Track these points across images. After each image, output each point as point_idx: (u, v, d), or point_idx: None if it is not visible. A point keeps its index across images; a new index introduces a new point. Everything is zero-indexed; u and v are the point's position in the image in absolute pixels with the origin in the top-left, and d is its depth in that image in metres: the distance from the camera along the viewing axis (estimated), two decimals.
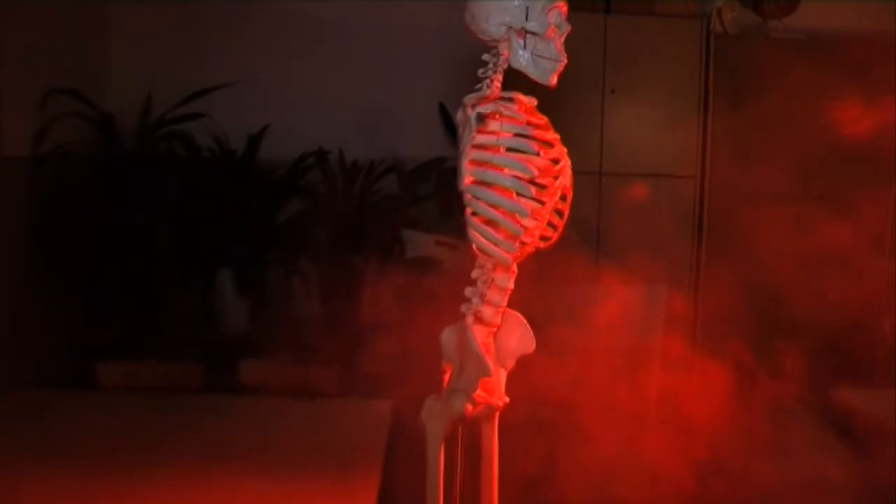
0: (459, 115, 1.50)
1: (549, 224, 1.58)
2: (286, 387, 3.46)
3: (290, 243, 4.20)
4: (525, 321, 1.69)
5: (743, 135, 4.22)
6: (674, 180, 4.24)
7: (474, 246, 1.54)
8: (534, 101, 1.53)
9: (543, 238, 1.58)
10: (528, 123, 1.50)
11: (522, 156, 1.50)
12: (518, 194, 1.48)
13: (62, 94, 4.04)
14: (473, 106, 1.47)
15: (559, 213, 1.58)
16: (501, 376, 1.72)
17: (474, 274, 1.62)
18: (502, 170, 1.48)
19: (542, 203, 1.51)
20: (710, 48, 4.24)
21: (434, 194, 4.23)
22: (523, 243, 1.53)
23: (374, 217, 4.25)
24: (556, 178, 1.53)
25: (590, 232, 4.01)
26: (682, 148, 4.23)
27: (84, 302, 3.97)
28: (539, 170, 1.49)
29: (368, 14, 4.52)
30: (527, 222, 1.49)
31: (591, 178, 4.13)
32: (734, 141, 4.22)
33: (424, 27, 4.32)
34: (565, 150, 1.56)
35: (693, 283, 4.24)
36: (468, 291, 1.63)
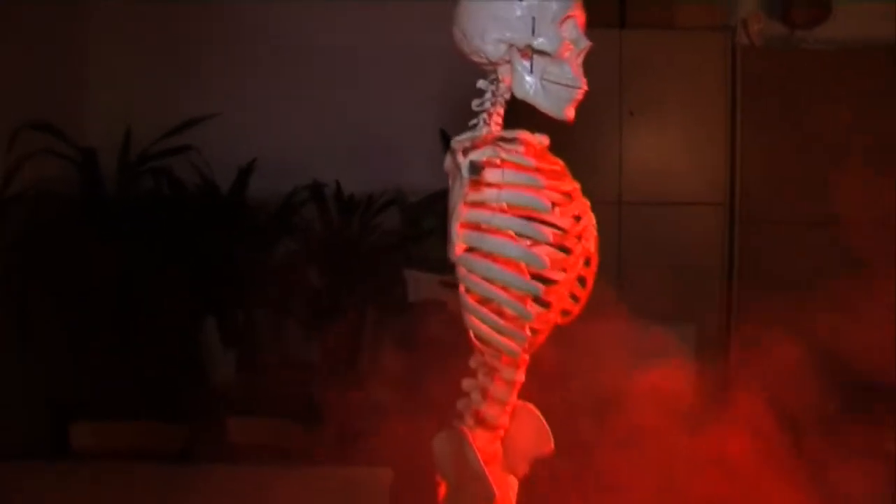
0: (448, 163, 1.14)
1: (571, 295, 1.22)
2: (278, 446, 3.21)
3: (281, 286, 3.87)
4: (539, 415, 1.33)
5: (775, 156, 3.88)
6: (701, 208, 3.88)
7: (471, 333, 1.17)
8: (545, 141, 1.18)
9: (563, 313, 1.23)
10: (539, 171, 1.14)
11: (533, 214, 1.14)
12: (528, 266, 1.12)
13: (34, 130, 3.73)
14: (465, 151, 1.11)
15: (582, 281, 1.23)
16: (511, 486, 1.36)
17: (473, 363, 1.26)
18: (506, 234, 1.12)
19: (562, 273, 1.15)
20: (735, 62, 3.89)
21: (438, 229, 3.87)
22: (536, 330, 1.17)
23: (373, 256, 3.91)
24: (577, 238, 1.18)
25: (609, 267, 3.64)
26: (709, 173, 3.87)
27: (58, 355, 3.64)
28: (555, 233, 1.13)
29: (363, 36, 4.22)
30: (540, 304, 1.13)
31: (610, 209, 3.78)
32: (766, 163, 3.87)
33: (423, 48, 3.97)
34: (587, 202, 1.20)
35: (724, 323, 3.89)
36: (466, 385, 1.27)
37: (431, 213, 3.95)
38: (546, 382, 1.42)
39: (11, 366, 3.56)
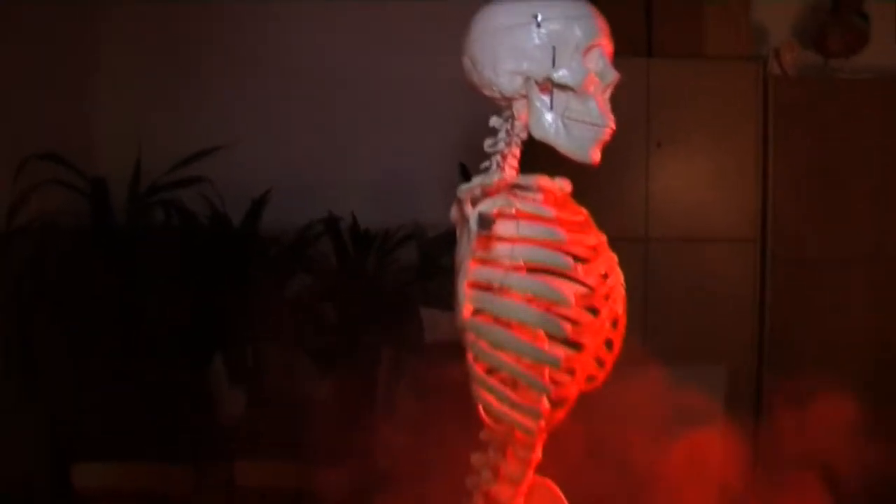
0: (454, 213, 0.99)
1: (596, 359, 1.06)
2: (287, 490, 3.07)
3: (293, 323, 3.73)
4: (558, 492, 1.17)
5: (809, 190, 3.71)
6: (731, 245, 3.71)
7: (480, 407, 1.02)
8: (567, 187, 1.02)
9: (588, 378, 1.07)
10: (559, 223, 0.99)
11: (551, 271, 0.98)
12: (548, 334, 0.96)
13: (42, 160, 3.63)
14: (474, 201, 0.95)
15: (609, 343, 1.07)
16: None
17: (483, 436, 1.10)
18: (522, 297, 0.96)
19: (586, 340, 0.99)
20: (767, 92, 3.71)
21: None
22: (556, 404, 1.01)
23: (389, 293, 3.77)
24: (605, 298, 1.02)
25: (635, 306, 3.47)
26: (739, 207, 3.70)
27: (62, 392, 3.52)
28: (578, 294, 0.97)
29: (380, 65, 4.08)
30: (560, 375, 0.98)
31: (636, 246, 3.61)
32: (799, 197, 3.71)
33: (442, 77, 3.85)
34: (614, 257, 1.05)
35: (755, 364, 3.70)
36: (475, 461, 1.12)
37: (449, 249, 3.80)
38: (564, 443, 1.26)
39: (13, 403, 3.45)
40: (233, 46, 4.12)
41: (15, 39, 3.53)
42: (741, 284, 3.68)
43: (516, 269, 0.96)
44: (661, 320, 3.54)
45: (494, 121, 1.04)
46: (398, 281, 3.88)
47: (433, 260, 3.88)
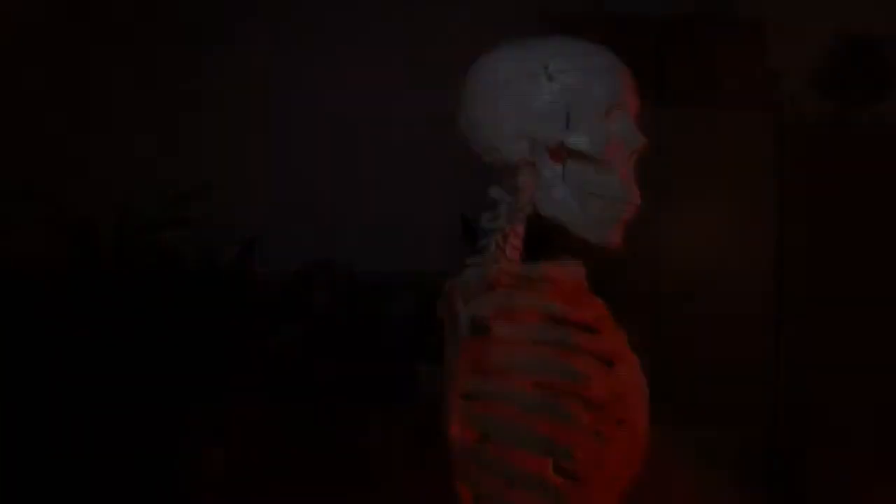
0: (441, 310, 0.80)
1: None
2: None
3: (282, 377, 3.56)
4: None
5: (826, 242, 3.55)
6: (745, 298, 3.50)
7: None
8: (580, 272, 0.84)
9: None
10: (570, 321, 0.80)
11: (560, 380, 0.79)
12: (555, 459, 0.78)
13: (20, 197, 3.49)
14: (466, 297, 0.77)
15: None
16: None
17: None
18: (524, 416, 0.78)
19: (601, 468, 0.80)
20: (784, 143, 3.56)
21: None
22: None
23: (383, 345, 3.60)
24: (625, 408, 0.83)
25: (644, 365, 3.30)
26: (753, 263, 3.52)
27: (31, 443, 3.35)
28: (594, 407, 0.79)
29: (379, 108, 3.94)
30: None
31: (645, 301, 3.43)
32: (816, 250, 3.54)
33: (445, 119, 3.72)
34: (636, 358, 0.87)
35: (771, 424, 3.52)
36: None
37: None
38: None
39: None
40: (228, 86, 4.00)
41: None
42: (755, 340, 3.50)
43: (519, 383, 0.77)
44: (673, 380, 3.35)
45: (495, 192, 0.86)
46: (394, 332, 3.71)
47: (431, 312, 3.70)
